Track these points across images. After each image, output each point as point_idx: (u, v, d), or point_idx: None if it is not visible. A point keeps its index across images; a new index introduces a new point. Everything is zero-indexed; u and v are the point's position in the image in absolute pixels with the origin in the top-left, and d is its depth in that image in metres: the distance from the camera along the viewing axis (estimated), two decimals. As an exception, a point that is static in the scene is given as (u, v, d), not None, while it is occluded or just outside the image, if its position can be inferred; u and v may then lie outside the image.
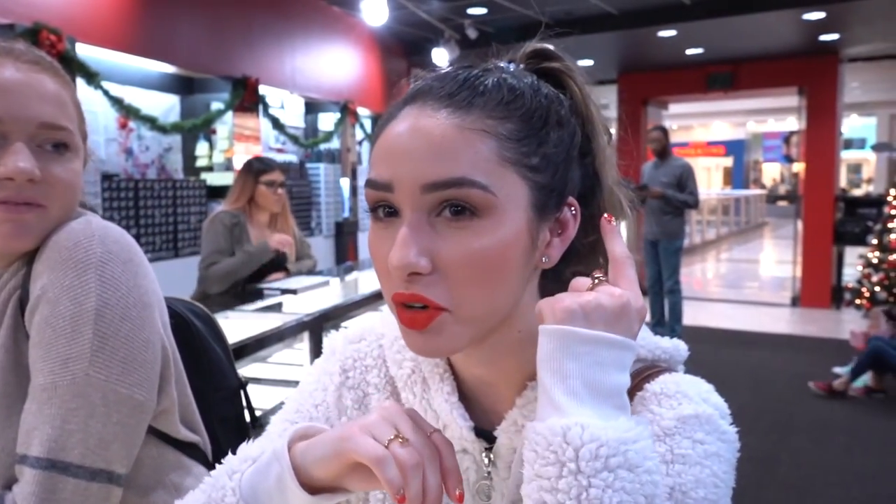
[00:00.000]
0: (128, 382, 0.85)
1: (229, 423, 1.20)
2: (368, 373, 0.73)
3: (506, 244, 0.57)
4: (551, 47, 0.67)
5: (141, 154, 5.00)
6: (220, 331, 1.25)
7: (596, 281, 0.58)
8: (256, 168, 3.09)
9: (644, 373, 0.63)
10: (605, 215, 0.62)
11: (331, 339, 0.77)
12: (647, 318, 6.04)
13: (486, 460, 0.66)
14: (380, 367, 0.73)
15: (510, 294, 0.60)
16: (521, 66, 0.66)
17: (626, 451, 0.51)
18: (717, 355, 5.66)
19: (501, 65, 0.64)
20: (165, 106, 5.10)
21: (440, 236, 0.57)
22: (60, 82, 0.91)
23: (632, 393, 0.61)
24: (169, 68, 4.83)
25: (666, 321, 5.80)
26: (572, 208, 0.62)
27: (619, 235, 0.61)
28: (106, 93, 3.98)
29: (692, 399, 0.60)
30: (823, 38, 7.09)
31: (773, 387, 4.98)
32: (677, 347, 0.68)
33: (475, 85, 0.59)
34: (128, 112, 4.17)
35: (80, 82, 3.81)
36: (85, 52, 3.98)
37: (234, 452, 0.78)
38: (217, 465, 0.72)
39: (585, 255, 0.67)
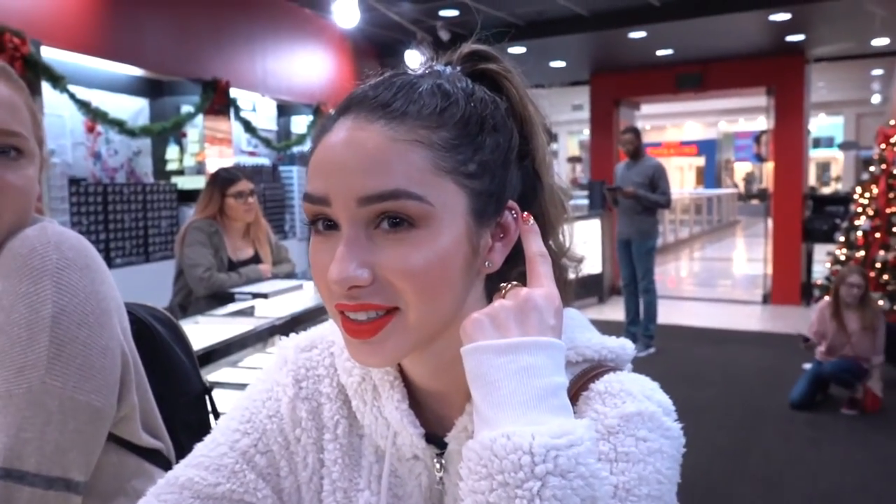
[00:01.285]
0: (85, 389, 0.84)
1: (193, 428, 1.19)
2: (321, 382, 0.72)
3: (446, 253, 0.57)
4: (487, 48, 0.67)
5: (109, 158, 4.94)
6: (183, 335, 1.24)
7: (508, 287, 0.60)
8: (222, 179, 3.09)
9: (590, 373, 0.64)
10: (524, 214, 0.62)
11: (281, 348, 0.76)
12: (622, 316, 6.11)
13: (437, 466, 0.66)
14: (332, 377, 0.72)
15: (453, 301, 0.60)
16: (458, 68, 0.66)
17: (557, 458, 0.50)
18: (689, 352, 5.73)
19: (437, 68, 0.64)
20: (134, 109, 5.04)
21: (379, 248, 0.57)
22: (13, 87, 0.90)
23: (577, 393, 0.62)
24: (137, 71, 4.78)
25: (640, 320, 5.86)
26: (513, 212, 0.63)
27: (534, 233, 0.62)
28: (72, 96, 3.92)
29: (636, 397, 0.60)
30: (790, 38, 7.22)
31: (744, 382, 5.05)
32: (624, 347, 0.68)
33: (409, 93, 0.59)
34: (95, 116, 4.12)
35: (46, 86, 3.76)
36: (50, 55, 3.93)
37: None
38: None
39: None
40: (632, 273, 5.86)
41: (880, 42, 7.53)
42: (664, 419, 0.60)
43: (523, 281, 0.65)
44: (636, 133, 5.82)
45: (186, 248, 2.97)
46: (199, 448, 0.71)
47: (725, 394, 4.75)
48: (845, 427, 4.18)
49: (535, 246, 0.61)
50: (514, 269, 0.65)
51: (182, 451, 1.10)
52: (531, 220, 0.62)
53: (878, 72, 10.91)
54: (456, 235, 0.58)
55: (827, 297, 4.73)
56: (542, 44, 6.79)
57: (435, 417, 0.67)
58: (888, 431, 4.09)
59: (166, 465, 1.04)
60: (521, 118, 0.65)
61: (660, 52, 7.80)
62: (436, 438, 0.66)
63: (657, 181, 5.65)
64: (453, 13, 6.38)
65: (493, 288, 0.65)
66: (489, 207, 0.61)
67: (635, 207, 5.67)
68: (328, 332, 0.75)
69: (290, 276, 3.36)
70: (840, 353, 4.50)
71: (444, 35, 6.65)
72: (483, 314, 0.57)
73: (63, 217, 4.05)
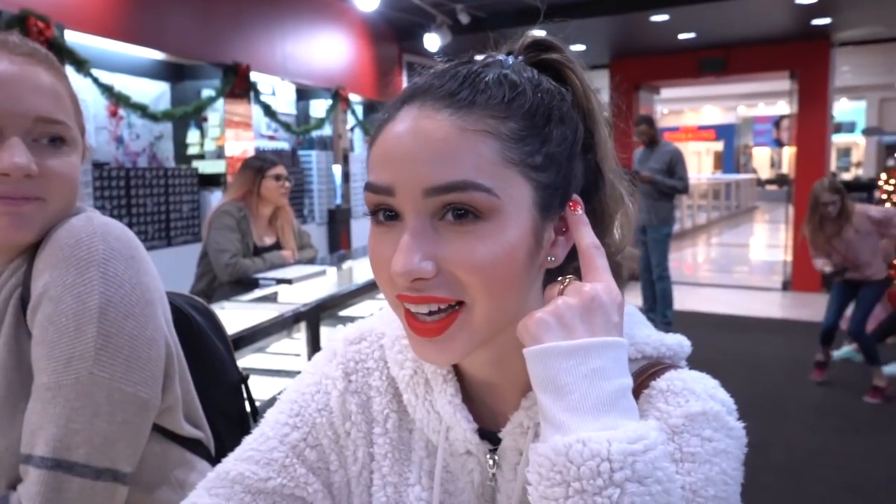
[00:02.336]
0: (132, 381, 0.84)
1: (231, 417, 1.19)
2: (370, 375, 0.72)
3: (511, 247, 0.56)
4: (550, 38, 0.65)
5: (131, 142, 4.95)
6: (220, 325, 1.24)
7: (566, 282, 0.58)
8: (261, 161, 3.16)
9: (649, 370, 0.63)
10: (570, 204, 0.61)
11: (331, 341, 0.75)
12: (640, 304, 6.09)
13: (490, 462, 0.65)
14: (381, 370, 0.72)
15: (518, 296, 0.59)
16: (520, 58, 0.64)
17: (634, 463, 0.49)
18: (709, 340, 5.69)
19: (500, 58, 0.63)
20: (156, 93, 5.05)
21: (444, 240, 0.56)
22: (56, 75, 0.90)
23: (638, 391, 0.61)
24: (159, 55, 4.78)
25: (657, 307, 5.83)
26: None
27: (585, 224, 0.60)
28: (95, 80, 3.93)
29: (699, 396, 0.59)
30: (815, 22, 7.08)
31: (766, 371, 5.02)
32: (681, 343, 0.67)
33: (475, 82, 0.58)
34: (118, 100, 4.13)
35: (69, 70, 3.77)
36: (74, 39, 3.93)
37: (236, 447, 0.78)
38: (220, 461, 0.72)
39: None
40: (648, 259, 5.82)
41: (908, 25, 7.37)
42: (728, 418, 0.59)
43: (578, 276, 0.64)
44: (650, 123, 5.77)
45: (214, 232, 2.99)
46: (249, 442, 0.71)
47: (747, 382, 4.72)
48: (870, 416, 4.14)
49: (587, 237, 0.60)
50: (570, 263, 0.64)
51: (220, 440, 1.10)
52: (579, 209, 0.61)
53: (904, 56, 10.69)
54: (522, 229, 0.57)
55: (807, 227, 4.56)
56: (563, 27, 6.68)
57: (488, 412, 0.67)
58: (913, 422, 4.05)
59: (207, 455, 1.04)
60: (585, 110, 0.63)
61: (682, 36, 7.69)
62: (489, 434, 0.65)
63: (674, 166, 5.61)
64: (473, -4, 6.32)
65: (547, 282, 0.63)
66: (554, 201, 0.60)
67: (652, 193, 5.62)
68: (377, 324, 0.75)
69: (313, 261, 3.38)
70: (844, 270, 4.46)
71: (464, 18, 6.59)
72: (548, 313, 0.55)
73: (87, 202, 4.07)
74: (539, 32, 0.66)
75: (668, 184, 5.58)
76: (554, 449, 0.51)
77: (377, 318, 0.76)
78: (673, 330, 0.69)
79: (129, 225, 4.42)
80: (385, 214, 0.58)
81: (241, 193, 3.10)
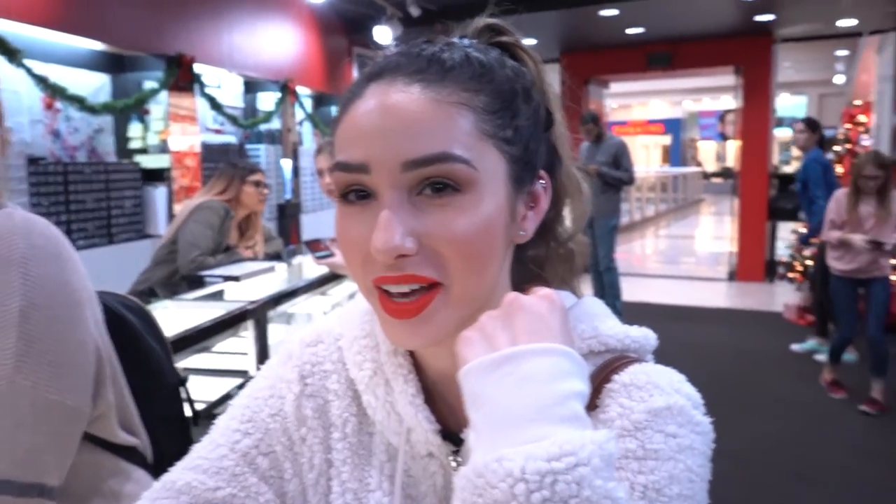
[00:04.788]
0: (58, 388, 0.79)
1: (170, 421, 1.14)
2: (328, 378, 0.69)
3: (490, 219, 0.56)
4: (503, 22, 0.65)
5: (69, 136, 4.77)
6: (156, 325, 1.18)
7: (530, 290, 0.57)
8: (243, 166, 3.20)
9: (613, 364, 0.61)
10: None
11: (286, 344, 0.73)
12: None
13: (453, 464, 0.63)
14: (339, 372, 0.69)
15: (496, 269, 0.59)
16: (474, 42, 0.63)
17: (554, 484, 0.43)
18: (657, 330, 5.64)
19: (456, 41, 0.62)
20: (95, 85, 4.86)
21: (423, 215, 0.54)
22: None
23: (600, 386, 0.59)
24: (98, 45, 4.61)
25: (605, 299, 5.92)
26: (542, 181, 0.62)
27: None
28: (29, 71, 3.76)
29: (663, 390, 0.57)
30: (758, 18, 7.26)
31: (712, 358, 5.13)
32: (647, 336, 0.66)
33: (443, 60, 0.57)
34: (53, 92, 3.96)
35: (1, 60, 3.60)
36: (6, 27, 3.75)
37: (176, 453, 0.74)
38: (164, 468, 0.68)
39: (544, 234, 0.66)
40: (593, 252, 5.91)
41: (846, 23, 7.61)
42: (693, 413, 0.57)
43: (538, 263, 0.67)
44: (595, 121, 5.87)
45: (193, 224, 2.94)
46: (197, 450, 0.67)
47: (694, 371, 4.77)
48: (812, 401, 4.26)
49: None
50: (527, 249, 0.65)
51: (158, 446, 1.06)
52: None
53: (842, 52, 11.05)
54: (498, 201, 0.57)
55: (844, 188, 4.28)
56: (514, 21, 6.71)
57: (450, 413, 0.64)
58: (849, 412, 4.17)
59: (144, 463, 0.99)
60: (542, 91, 0.64)
61: (630, 31, 7.79)
62: (451, 435, 0.63)
63: (620, 158, 5.75)
64: (423, -12, 6.28)
65: (516, 265, 0.65)
66: (525, 175, 0.60)
67: (600, 186, 5.71)
68: (335, 325, 0.72)
69: (279, 255, 3.40)
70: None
71: (415, 11, 6.54)
72: (472, 329, 0.53)
73: (21, 198, 3.90)
74: (491, 20, 0.65)
75: (614, 175, 5.69)
76: (474, 469, 0.46)
77: (334, 319, 0.74)
78: (622, 320, 0.68)
79: (69, 222, 4.26)
80: (357, 194, 0.57)
81: (224, 192, 3.12)
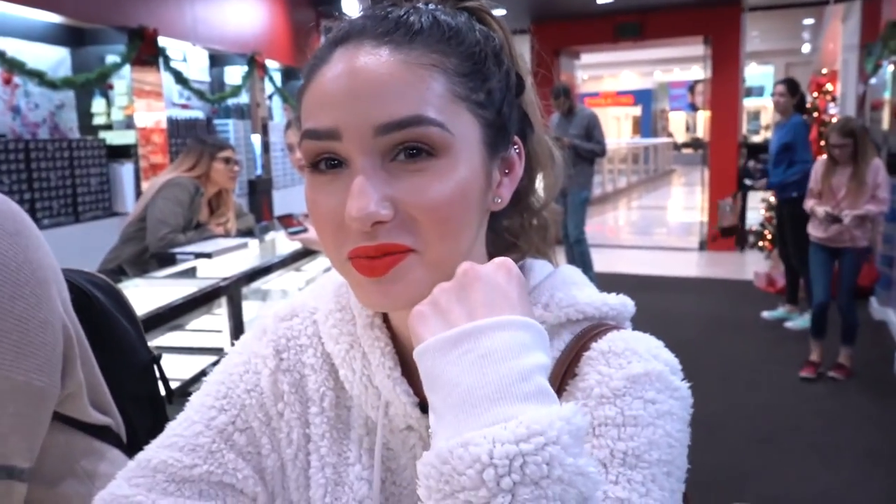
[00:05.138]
0: (24, 368, 0.77)
1: (142, 400, 1.12)
2: (303, 353, 0.68)
3: (465, 183, 0.54)
4: None
5: (30, 112, 4.63)
6: (125, 302, 1.15)
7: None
8: (213, 142, 3.14)
9: (592, 331, 0.61)
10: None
11: (260, 318, 0.72)
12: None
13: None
14: (315, 346, 0.68)
15: (472, 236, 0.58)
16: (440, 6, 0.62)
17: (524, 466, 0.42)
18: (632, 300, 5.84)
19: (422, 6, 0.60)
20: (54, 59, 4.72)
21: (397, 181, 0.53)
22: None
23: (579, 353, 0.59)
24: (56, 18, 4.46)
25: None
26: (516, 147, 0.61)
27: None
28: (-15, 45, 3.64)
29: (641, 356, 0.57)
30: (727, -13, 7.27)
31: (684, 327, 5.21)
32: (624, 303, 0.66)
33: (410, 22, 0.55)
34: (11, 66, 3.84)
35: (-46, 34, 3.48)
36: (-43, -1, 3.62)
37: (150, 431, 0.73)
38: (138, 447, 0.67)
39: (518, 202, 0.65)
40: (563, 224, 5.95)
41: (813, -9, 7.66)
42: (672, 378, 0.57)
43: (513, 233, 0.66)
44: (567, 93, 5.85)
45: (162, 201, 2.88)
46: (172, 427, 0.66)
47: (666, 338, 4.85)
48: (781, 369, 4.35)
49: None
50: (502, 218, 0.64)
51: (131, 425, 1.04)
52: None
53: (809, 21, 11.14)
54: (473, 166, 0.55)
55: (822, 156, 4.24)
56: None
57: None
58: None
59: (118, 442, 0.97)
60: (511, 56, 0.62)
61: (600, 1, 7.76)
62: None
63: (592, 130, 5.77)
64: (392, -42, 6.17)
65: (491, 234, 0.64)
66: (499, 139, 0.58)
67: (572, 158, 5.72)
68: (310, 299, 0.71)
69: (252, 231, 3.37)
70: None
71: (383, -19, 6.43)
72: (424, 304, 0.51)
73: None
74: None
75: (587, 147, 5.71)
76: (438, 455, 0.44)
77: (308, 293, 0.73)
78: None
79: (32, 201, 4.15)
80: (327, 163, 0.55)
81: (194, 168, 3.06)
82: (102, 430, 0.94)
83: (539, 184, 0.69)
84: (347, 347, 0.65)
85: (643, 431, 0.54)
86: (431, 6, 0.60)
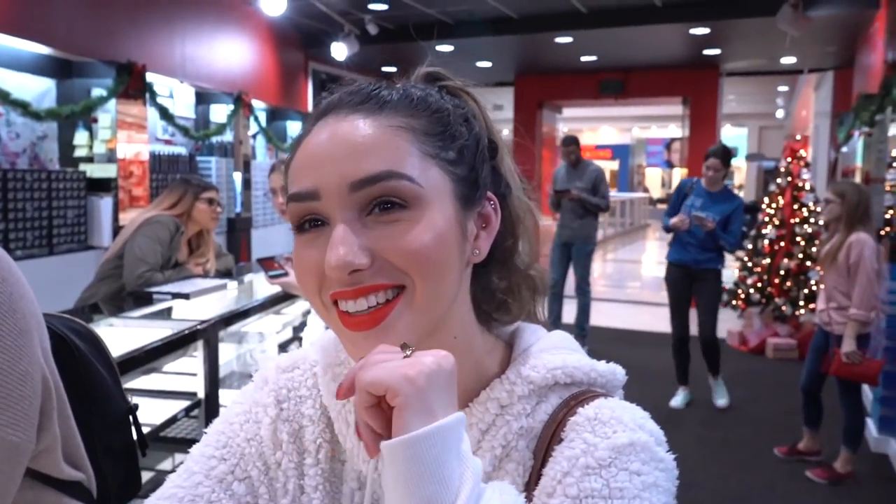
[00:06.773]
0: (1, 423, 0.74)
1: (116, 452, 1.08)
2: (303, 404, 0.70)
3: (440, 230, 0.57)
4: (441, 70, 0.68)
5: (10, 142, 4.59)
6: (105, 350, 1.13)
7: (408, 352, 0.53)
8: (197, 182, 3.15)
9: (579, 397, 0.62)
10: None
11: (262, 370, 0.74)
12: (547, 317, 6.37)
13: None
14: (315, 398, 0.69)
15: (452, 284, 0.59)
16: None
17: None
18: (603, 353, 5.79)
19: (400, 83, 0.65)
20: (39, 90, 4.70)
21: (374, 233, 0.56)
22: None
23: (564, 417, 0.60)
24: (44, 49, 4.46)
25: (566, 322, 5.98)
26: (492, 202, 0.64)
27: None
28: (-30, 73, 3.62)
29: (627, 426, 0.57)
30: (707, 52, 7.51)
31: (657, 383, 5.21)
32: (614, 371, 0.66)
33: (381, 95, 0.60)
34: (-5, 95, 3.82)
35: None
36: (-55, 27, 3.61)
37: (122, 484, 0.72)
38: (108, 501, 0.66)
39: (506, 261, 0.68)
40: (563, 276, 5.97)
41: (788, 60, 7.94)
42: (657, 449, 0.57)
43: (505, 292, 0.67)
44: (577, 143, 5.94)
45: (141, 238, 2.85)
46: (172, 479, 0.67)
47: (639, 394, 4.84)
48: (751, 433, 4.36)
49: None
50: (493, 275, 0.67)
51: (103, 478, 1.00)
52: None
53: (783, 88, 11.51)
54: (447, 216, 0.58)
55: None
56: (470, 43, 6.81)
57: None
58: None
59: (88, 498, 0.94)
60: (485, 124, 0.66)
61: (584, 58, 7.96)
62: None
63: (598, 185, 5.82)
64: (383, 7, 6.29)
65: (475, 293, 0.65)
66: (472, 194, 0.61)
67: (578, 211, 5.78)
68: (311, 352, 0.73)
69: (230, 272, 3.36)
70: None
71: (373, 29, 6.55)
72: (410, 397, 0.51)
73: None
74: (430, 68, 0.68)
75: (593, 201, 5.77)
76: None
77: (310, 347, 0.74)
78: (586, 342, 0.68)
79: (6, 231, 4.09)
80: (311, 223, 0.58)
81: (175, 207, 3.05)
82: (74, 486, 0.91)
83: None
84: (343, 402, 0.65)
85: None
86: (403, 82, 0.65)
